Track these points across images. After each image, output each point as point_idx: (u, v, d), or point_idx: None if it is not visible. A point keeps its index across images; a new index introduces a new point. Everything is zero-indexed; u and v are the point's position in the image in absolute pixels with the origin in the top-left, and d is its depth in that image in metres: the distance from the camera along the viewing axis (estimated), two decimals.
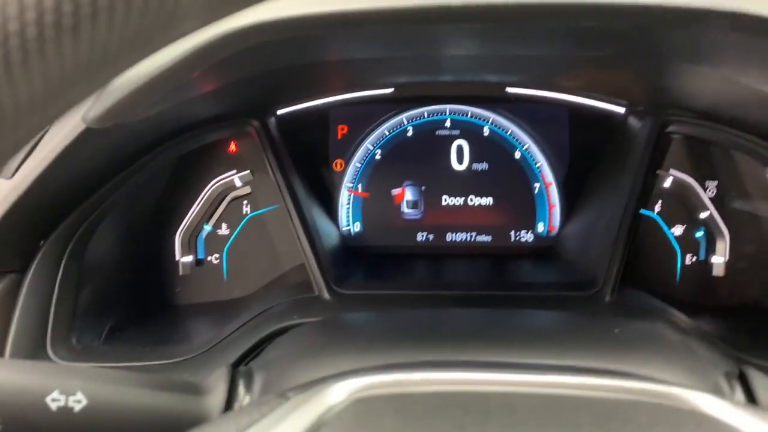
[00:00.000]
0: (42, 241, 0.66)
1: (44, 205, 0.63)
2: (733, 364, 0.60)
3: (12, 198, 0.59)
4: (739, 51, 0.52)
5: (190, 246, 0.86)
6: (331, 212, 0.90)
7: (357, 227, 0.90)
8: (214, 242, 0.87)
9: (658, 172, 0.84)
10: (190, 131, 0.77)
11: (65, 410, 0.43)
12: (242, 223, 0.86)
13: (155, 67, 0.51)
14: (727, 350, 0.63)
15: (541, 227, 0.89)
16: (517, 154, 0.89)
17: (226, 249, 0.86)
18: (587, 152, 0.88)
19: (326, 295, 0.72)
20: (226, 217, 0.86)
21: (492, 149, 0.89)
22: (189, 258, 0.86)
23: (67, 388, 0.43)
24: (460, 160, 0.89)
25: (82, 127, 0.58)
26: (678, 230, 0.86)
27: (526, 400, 0.37)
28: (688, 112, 0.76)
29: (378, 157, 0.89)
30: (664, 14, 0.41)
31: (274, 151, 0.78)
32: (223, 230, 0.86)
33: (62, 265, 0.68)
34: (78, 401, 0.43)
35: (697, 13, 0.41)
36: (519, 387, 0.39)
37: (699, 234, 0.85)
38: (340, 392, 0.37)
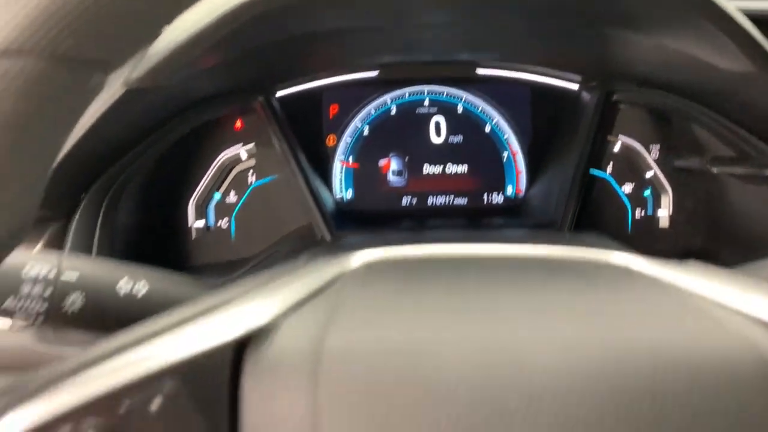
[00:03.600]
0: (82, 195, 0.76)
1: (85, 162, 0.74)
2: None
3: (61, 153, 0.70)
4: (666, 16, 0.65)
5: (201, 213, 0.97)
6: (326, 182, 1.01)
7: (349, 194, 1.02)
8: (223, 209, 0.98)
9: (608, 137, 0.98)
10: (203, 106, 0.88)
11: (130, 296, 0.53)
12: (248, 191, 0.97)
13: (190, 32, 0.63)
14: None
15: (510, 190, 1.02)
16: (488, 128, 1.02)
17: (234, 214, 0.97)
18: (547, 124, 1.02)
19: (329, 239, 0.83)
20: (234, 186, 0.98)
21: (465, 124, 1.02)
22: (201, 223, 0.96)
23: (134, 276, 0.54)
24: (438, 134, 1.02)
25: (121, 90, 0.69)
26: (628, 188, 0.99)
27: (500, 261, 0.49)
28: (630, 80, 0.90)
29: (366, 132, 1.01)
30: None
31: (279, 124, 0.90)
32: (231, 198, 0.97)
33: (99, 219, 0.78)
34: (143, 286, 0.54)
35: None
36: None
37: (647, 192, 0.99)
38: (356, 260, 0.48)
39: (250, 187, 0.97)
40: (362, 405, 0.34)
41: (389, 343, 0.36)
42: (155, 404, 0.36)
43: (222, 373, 0.37)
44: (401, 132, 1.02)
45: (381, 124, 1.02)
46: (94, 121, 0.70)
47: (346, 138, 1.01)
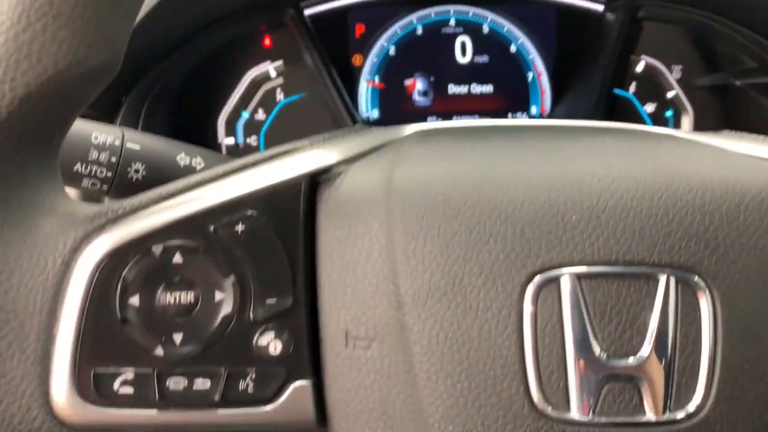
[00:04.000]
0: (123, 98, 0.79)
1: (126, 62, 0.76)
2: None
3: None
4: None
5: (230, 130, 0.99)
6: (353, 101, 1.03)
7: (375, 114, 1.04)
8: (252, 127, 1.00)
9: (632, 57, 0.99)
10: (235, 18, 0.90)
11: (189, 168, 0.56)
12: (276, 108, 0.99)
13: None
14: None
15: (534, 110, 1.04)
16: (513, 48, 1.03)
17: (263, 132, 0.99)
18: (572, 45, 1.03)
19: None
20: (262, 104, 0.99)
21: (491, 44, 1.03)
22: (231, 140, 0.99)
23: (190, 153, 0.56)
24: (463, 54, 1.03)
25: None
26: (650, 108, 1.01)
27: (550, 127, 0.51)
28: None
29: (392, 52, 1.03)
30: None
31: (311, 38, 0.91)
32: (260, 115, 0.99)
33: (141, 121, 0.80)
34: (199, 163, 0.56)
35: None
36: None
37: (668, 113, 1.01)
38: (408, 130, 0.51)
39: (278, 105, 0.99)
40: (433, 225, 0.37)
41: (455, 173, 0.39)
42: (237, 229, 0.39)
43: (298, 204, 0.40)
44: (427, 52, 1.03)
45: (407, 44, 1.03)
46: (138, 22, 0.71)
47: (372, 58, 1.03)
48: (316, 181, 0.41)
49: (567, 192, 0.37)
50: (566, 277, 0.35)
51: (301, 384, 0.39)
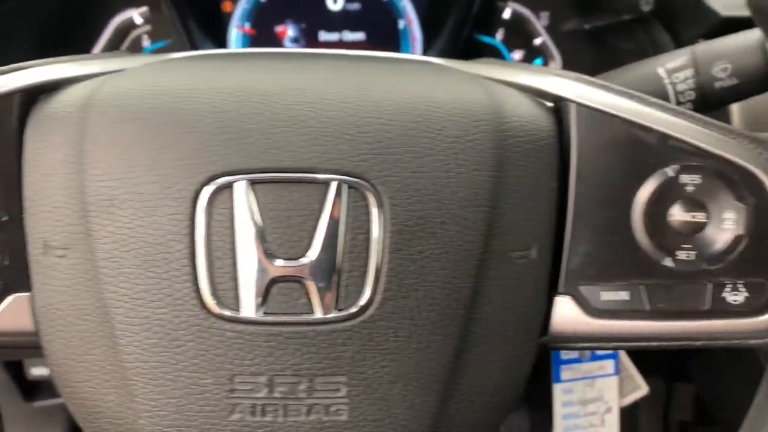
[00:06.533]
0: None
1: None
2: None
3: None
4: None
5: None
6: (223, 47, 1.03)
7: None
8: None
9: (498, 3, 1.00)
10: None
11: None
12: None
13: None
14: None
15: None
16: None
17: None
18: None
19: None
20: (130, 50, 0.99)
21: None
22: None
23: None
24: (335, 1, 1.03)
25: None
26: (518, 55, 1.02)
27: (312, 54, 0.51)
28: None
29: None
30: None
31: None
32: None
33: None
34: None
35: None
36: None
37: (538, 61, 1.02)
38: (166, 57, 0.50)
39: (145, 51, 0.98)
40: (119, 134, 0.38)
41: (153, 87, 0.40)
42: None
43: (11, 118, 0.40)
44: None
45: None
46: None
47: (243, 3, 1.02)
48: (34, 97, 0.42)
49: (252, 103, 0.38)
50: (240, 183, 0.36)
51: (19, 296, 0.40)
